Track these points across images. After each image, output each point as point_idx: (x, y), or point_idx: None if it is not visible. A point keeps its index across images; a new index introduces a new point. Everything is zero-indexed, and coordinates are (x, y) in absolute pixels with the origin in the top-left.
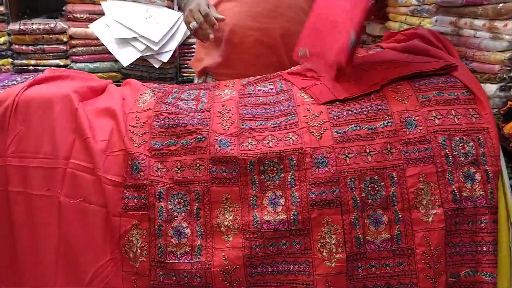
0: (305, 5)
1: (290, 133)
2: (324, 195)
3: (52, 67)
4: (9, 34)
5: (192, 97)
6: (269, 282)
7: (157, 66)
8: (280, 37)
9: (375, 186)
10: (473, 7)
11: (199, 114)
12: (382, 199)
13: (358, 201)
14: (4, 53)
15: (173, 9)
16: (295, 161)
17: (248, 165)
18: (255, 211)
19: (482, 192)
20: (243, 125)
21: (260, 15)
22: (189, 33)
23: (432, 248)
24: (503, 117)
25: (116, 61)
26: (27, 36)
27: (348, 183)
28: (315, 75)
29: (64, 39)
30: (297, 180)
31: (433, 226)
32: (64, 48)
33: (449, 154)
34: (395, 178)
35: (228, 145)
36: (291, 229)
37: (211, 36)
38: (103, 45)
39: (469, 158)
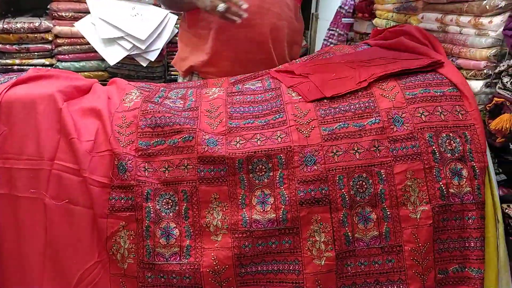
0: (289, 1)
1: (278, 132)
2: (312, 193)
3: (37, 67)
4: None
5: (179, 96)
6: (259, 281)
7: (144, 64)
8: (268, 33)
9: (364, 183)
10: (458, 3)
11: (187, 113)
12: (371, 196)
13: (347, 199)
14: None
15: (160, 6)
16: (283, 160)
17: (237, 164)
18: (244, 210)
19: (469, 188)
20: (231, 124)
21: (248, 12)
22: (176, 30)
23: (420, 244)
24: (489, 113)
25: (102, 60)
26: (11, 35)
27: (337, 181)
28: (303, 73)
29: (49, 38)
30: (286, 178)
31: (421, 223)
32: (49, 47)
33: (436, 151)
34: (383, 175)
35: (216, 144)
36: (280, 228)
37: (244, 14)
38: (89, 43)
39: (456, 154)
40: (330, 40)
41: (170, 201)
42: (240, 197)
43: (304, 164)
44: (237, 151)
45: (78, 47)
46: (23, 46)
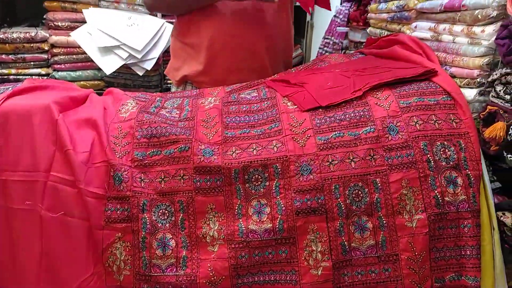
0: (282, 9)
1: (274, 141)
2: (309, 202)
3: (34, 76)
4: None
5: (175, 105)
6: None
7: (140, 73)
8: (261, 41)
9: (359, 192)
10: (451, 13)
11: (182, 123)
12: (367, 205)
13: (343, 208)
14: None
15: (156, 16)
16: (279, 169)
17: (233, 174)
18: (240, 220)
19: (464, 197)
20: (227, 134)
21: (241, 20)
22: None
23: (416, 253)
24: (483, 121)
25: (99, 69)
26: (7, 45)
27: (333, 190)
28: (299, 82)
29: (46, 48)
30: (282, 188)
31: (417, 231)
32: (46, 56)
33: (431, 159)
34: (379, 184)
35: (212, 154)
36: (276, 238)
37: None
38: (85, 53)
39: (451, 162)
40: (325, 48)
41: (166, 211)
42: (236, 207)
43: (300, 174)
44: (233, 161)
45: (74, 56)
46: (19, 56)
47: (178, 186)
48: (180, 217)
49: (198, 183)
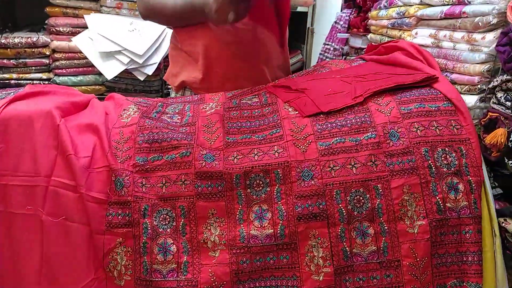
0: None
1: (275, 146)
2: (310, 208)
3: (35, 81)
4: None
5: (177, 111)
6: None
7: (141, 78)
8: (257, 49)
9: (361, 198)
10: (451, 20)
11: (184, 128)
12: (368, 211)
13: (344, 214)
14: None
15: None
16: (280, 175)
17: (234, 179)
18: (242, 225)
19: (465, 203)
20: (228, 139)
21: (235, 28)
22: None
23: (418, 259)
24: (483, 127)
25: (100, 74)
26: (9, 50)
27: (334, 195)
28: (299, 88)
29: (47, 53)
30: (283, 193)
31: (419, 237)
32: (47, 61)
33: (432, 165)
34: (380, 190)
35: (214, 159)
36: (278, 244)
37: None
38: (87, 58)
39: (452, 168)
40: (325, 54)
41: (167, 217)
42: (237, 213)
43: (301, 179)
44: (234, 167)
45: (75, 61)
46: (20, 60)
47: (180, 191)
48: (182, 222)
49: (199, 189)
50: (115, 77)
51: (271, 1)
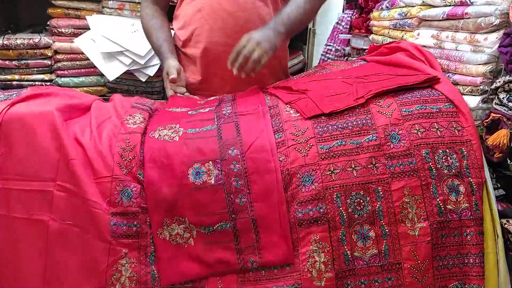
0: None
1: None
2: (311, 213)
3: (37, 82)
4: None
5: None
6: None
7: (143, 79)
8: None
9: (361, 201)
10: (454, 20)
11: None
12: (369, 214)
13: (345, 217)
14: None
15: None
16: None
17: None
18: None
19: (467, 204)
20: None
21: (232, 31)
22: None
23: (419, 262)
24: (486, 128)
25: (102, 75)
26: (11, 51)
27: (334, 199)
28: (301, 89)
29: (49, 54)
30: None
31: (420, 240)
32: (49, 62)
33: (433, 167)
34: (381, 193)
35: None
36: None
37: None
38: (89, 59)
39: (453, 170)
40: (327, 55)
41: None
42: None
43: (302, 185)
44: None
45: (77, 62)
46: (22, 61)
47: None
48: None
49: None
50: (117, 78)
51: None
